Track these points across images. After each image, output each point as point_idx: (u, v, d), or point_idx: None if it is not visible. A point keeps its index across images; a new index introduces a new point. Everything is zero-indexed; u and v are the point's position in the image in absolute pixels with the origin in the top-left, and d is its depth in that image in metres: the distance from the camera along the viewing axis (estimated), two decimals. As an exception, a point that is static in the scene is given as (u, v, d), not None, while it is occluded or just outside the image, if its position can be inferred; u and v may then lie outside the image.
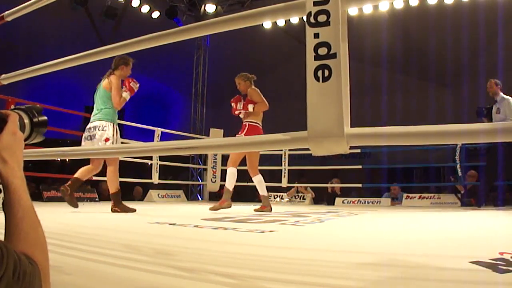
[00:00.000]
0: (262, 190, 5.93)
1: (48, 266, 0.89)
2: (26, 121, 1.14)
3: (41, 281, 0.83)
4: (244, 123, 5.81)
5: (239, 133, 5.70)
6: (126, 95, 5.25)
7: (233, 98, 5.95)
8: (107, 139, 5.07)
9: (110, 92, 5.23)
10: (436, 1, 10.00)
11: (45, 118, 1.19)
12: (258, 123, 5.79)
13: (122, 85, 5.30)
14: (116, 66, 5.30)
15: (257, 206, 6.00)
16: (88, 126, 5.25)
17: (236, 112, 5.83)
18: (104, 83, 5.32)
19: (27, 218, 0.89)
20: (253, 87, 5.87)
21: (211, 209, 5.47)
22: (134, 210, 5.14)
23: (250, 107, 5.70)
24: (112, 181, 5.16)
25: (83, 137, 5.25)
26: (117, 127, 5.26)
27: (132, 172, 9.60)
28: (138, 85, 5.31)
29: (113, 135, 5.13)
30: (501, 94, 7.36)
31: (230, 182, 5.73)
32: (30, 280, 0.78)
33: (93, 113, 5.31)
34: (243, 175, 6.37)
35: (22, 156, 0.99)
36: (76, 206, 4.98)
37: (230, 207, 5.61)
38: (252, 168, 5.89)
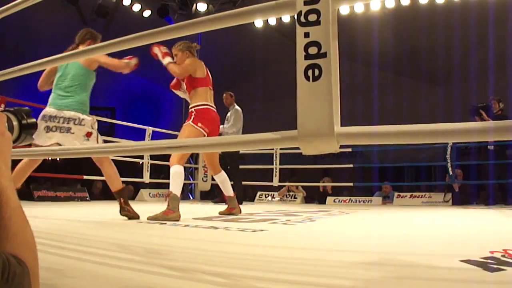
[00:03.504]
0: (227, 189, 4.99)
1: (37, 266, 0.88)
2: (15, 123, 1.14)
3: (31, 281, 0.82)
4: (190, 110, 4.57)
5: (186, 121, 4.52)
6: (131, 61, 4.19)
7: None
8: (89, 134, 4.10)
9: (90, 71, 4.20)
10: (428, 1, 10.04)
11: (34, 120, 1.19)
12: (204, 104, 4.53)
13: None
14: (83, 40, 4.23)
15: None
16: (52, 113, 4.04)
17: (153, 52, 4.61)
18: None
19: (15, 218, 0.88)
20: (193, 58, 4.68)
21: (150, 218, 4.03)
22: (138, 217, 4.10)
23: (166, 60, 4.54)
24: (116, 177, 4.19)
25: (43, 126, 3.99)
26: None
27: (123, 172, 9.59)
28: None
29: (94, 128, 4.16)
30: (235, 105, 8.16)
31: (178, 185, 4.32)
32: (20, 281, 0.77)
33: (57, 96, 4.12)
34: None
35: (10, 156, 0.98)
36: None
37: (178, 219, 4.04)
38: (214, 165, 4.92)
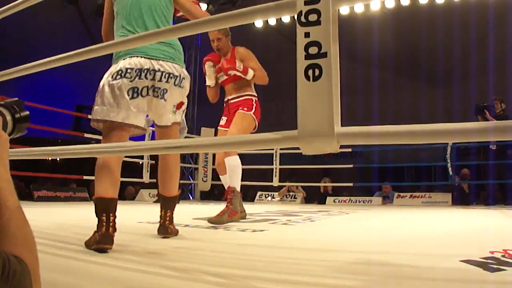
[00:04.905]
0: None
1: (37, 266, 0.88)
2: (8, 117, 1.13)
3: (31, 280, 0.82)
4: (247, 97, 4.15)
5: (246, 110, 4.05)
6: None
7: (209, 56, 4.30)
8: (180, 105, 2.62)
9: (173, 5, 2.61)
10: (428, 1, 10.04)
11: (27, 112, 1.17)
12: (257, 96, 4.22)
13: None
14: None
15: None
16: (143, 64, 2.37)
17: (229, 72, 4.00)
18: None
19: (14, 219, 0.88)
20: (243, 47, 4.32)
21: (212, 221, 3.59)
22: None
23: (251, 73, 4.02)
24: (177, 179, 2.91)
25: (127, 89, 2.36)
26: None
27: (123, 172, 9.60)
28: None
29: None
30: None
31: (239, 180, 3.95)
32: (20, 279, 0.77)
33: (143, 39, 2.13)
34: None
35: (7, 157, 0.97)
36: None
37: (245, 217, 3.90)
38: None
